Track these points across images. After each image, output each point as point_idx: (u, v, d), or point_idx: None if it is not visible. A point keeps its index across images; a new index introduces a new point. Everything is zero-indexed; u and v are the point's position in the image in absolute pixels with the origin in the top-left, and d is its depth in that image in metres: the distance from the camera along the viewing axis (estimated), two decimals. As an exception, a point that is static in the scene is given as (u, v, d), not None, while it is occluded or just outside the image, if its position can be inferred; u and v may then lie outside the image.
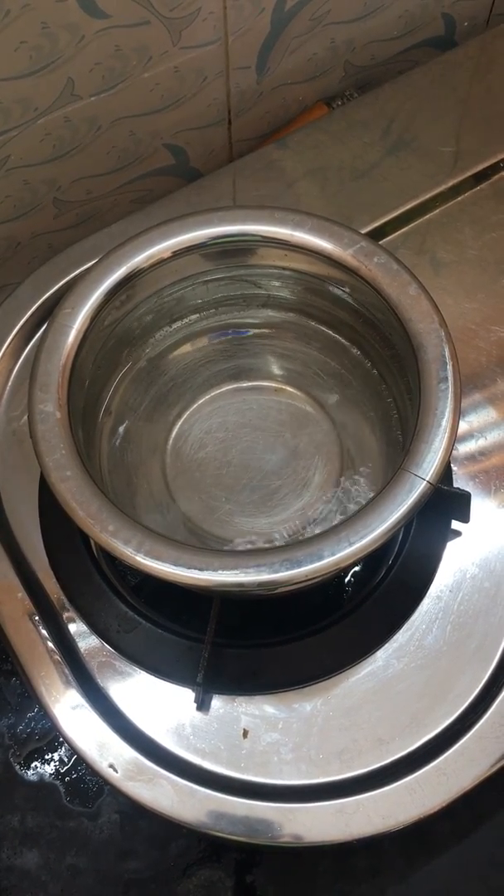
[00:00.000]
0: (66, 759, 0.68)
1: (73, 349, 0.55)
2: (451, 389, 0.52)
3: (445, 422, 0.52)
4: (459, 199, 0.76)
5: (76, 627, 0.62)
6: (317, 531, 0.61)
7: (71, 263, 0.71)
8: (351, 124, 0.79)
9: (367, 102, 0.81)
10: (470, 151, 0.78)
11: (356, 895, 0.64)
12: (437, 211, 0.76)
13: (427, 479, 0.50)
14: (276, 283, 0.64)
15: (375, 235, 0.73)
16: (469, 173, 0.76)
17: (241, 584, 0.48)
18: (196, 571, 0.49)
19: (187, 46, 0.68)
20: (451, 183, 0.76)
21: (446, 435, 0.51)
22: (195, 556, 0.49)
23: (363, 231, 0.72)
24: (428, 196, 0.76)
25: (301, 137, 0.78)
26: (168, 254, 0.58)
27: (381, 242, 0.63)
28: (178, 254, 0.58)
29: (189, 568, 0.49)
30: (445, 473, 0.58)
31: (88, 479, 0.51)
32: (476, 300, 0.71)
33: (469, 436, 0.66)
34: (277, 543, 0.61)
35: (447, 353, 0.53)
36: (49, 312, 0.70)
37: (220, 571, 0.49)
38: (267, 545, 0.61)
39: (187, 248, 0.58)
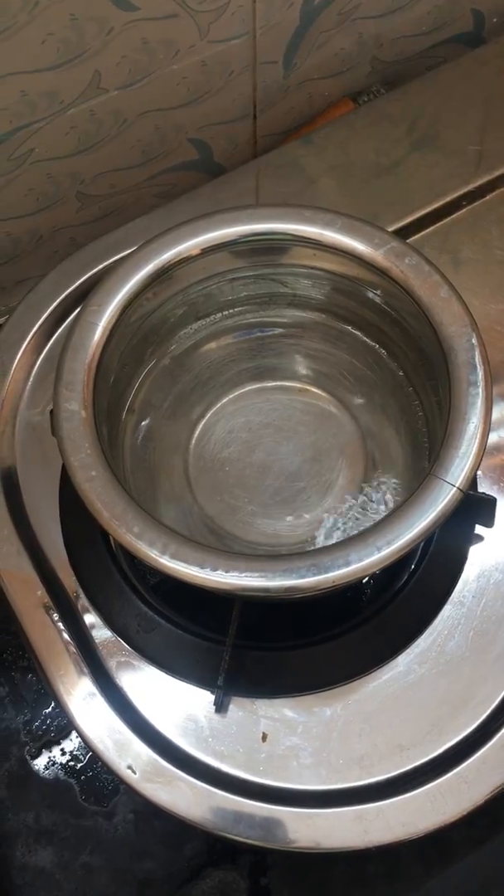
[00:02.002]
0: (81, 757, 0.68)
1: (99, 347, 0.54)
2: (481, 395, 0.51)
3: (476, 427, 0.51)
4: (487, 198, 0.75)
5: (95, 626, 0.62)
6: (339, 535, 0.61)
7: (94, 258, 0.70)
8: (377, 121, 0.78)
9: (393, 99, 0.80)
10: (497, 150, 0.76)
11: (371, 900, 0.64)
12: (464, 210, 0.75)
13: (457, 485, 0.49)
14: (304, 283, 0.63)
15: (400, 234, 0.72)
16: (497, 172, 0.75)
17: (266, 589, 0.48)
18: (222, 575, 0.48)
19: (215, 40, 0.67)
20: (478, 182, 0.75)
21: (476, 441, 0.51)
22: (221, 559, 0.49)
23: (388, 230, 0.71)
24: (454, 195, 0.75)
25: (326, 134, 0.78)
26: (196, 251, 0.57)
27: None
28: (207, 251, 0.58)
29: (215, 571, 0.48)
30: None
31: (114, 480, 0.51)
32: (503, 301, 0.70)
33: (493, 438, 0.65)
34: (303, 547, 0.60)
35: (478, 358, 0.52)
36: (71, 308, 0.70)
37: (245, 575, 0.48)
38: (292, 550, 0.60)
39: (216, 246, 0.58)
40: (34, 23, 0.57)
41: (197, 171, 0.80)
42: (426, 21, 0.80)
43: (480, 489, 0.64)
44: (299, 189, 0.74)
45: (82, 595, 0.63)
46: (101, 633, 0.62)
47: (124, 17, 0.61)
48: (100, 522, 0.50)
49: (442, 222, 0.74)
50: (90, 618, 0.62)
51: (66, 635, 0.61)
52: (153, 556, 0.49)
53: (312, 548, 0.60)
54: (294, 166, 0.76)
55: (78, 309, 0.66)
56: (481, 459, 0.51)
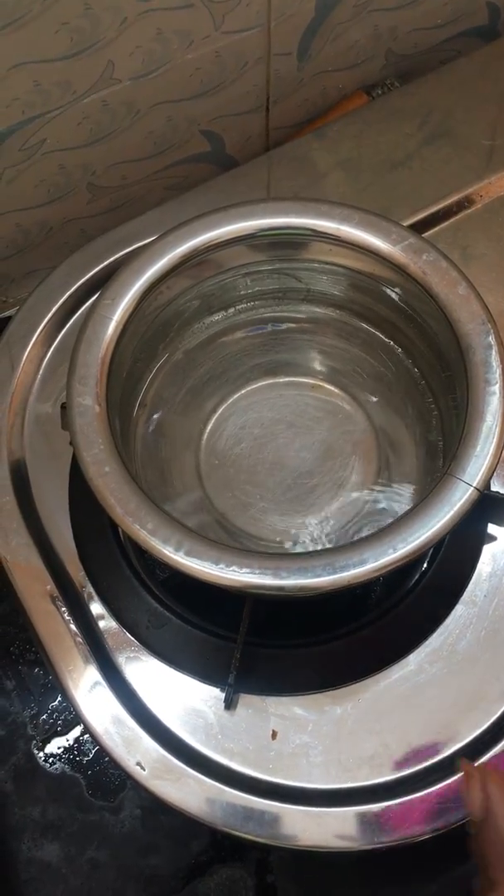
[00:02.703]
0: (88, 752, 0.68)
1: (112, 341, 0.54)
2: (499, 394, 0.51)
3: (493, 427, 0.50)
4: (501, 194, 0.74)
5: (104, 621, 0.62)
6: (352, 533, 0.60)
7: (105, 250, 0.70)
8: (390, 114, 0.77)
9: (407, 92, 0.79)
10: (511, 145, 0.76)
11: (378, 898, 0.64)
12: (477, 206, 0.74)
13: (474, 485, 0.49)
14: (319, 278, 0.62)
15: (413, 229, 0.71)
16: (511, 168, 0.75)
17: (281, 588, 0.48)
18: (236, 573, 0.48)
19: (230, 31, 0.66)
20: (491, 178, 0.74)
21: (494, 440, 0.50)
22: (235, 557, 0.48)
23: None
24: (468, 190, 0.74)
25: (339, 127, 0.77)
26: (210, 245, 0.57)
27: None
28: (221, 245, 0.57)
29: (229, 569, 0.48)
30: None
31: (127, 476, 0.50)
32: (517, 298, 0.70)
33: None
34: (314, 545, 0.60)
35: (496, 357, 0.52)
36: (82, 300, 0.69)
37: (260, 573, 0.48)
38: (305, 547, 0.60)
39: (230, 240, 0.57)
40: (48, 12, 0.57)
41: (209, 164, 0.79)
42: (441, 14, 0.79)
43: (494, 488, 0.63)
44: (312, 182, 0.74)
45: (91, 589, 0.62)
46: (109, 627, 0.61)
47: (139, 7, 0.60)
48: (113, 519, 0.50)
49: (455, 218, 0.74)
50: (99, 612, 0.62)
51: (74, 629, 0.61)
52: (167, 553, 0.48)
53: (326, 546, 0.60)
54: (306, 160, 0.75)
55: (89, 301, 0.66)
56: (499, 459, 0.50)
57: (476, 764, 0.54)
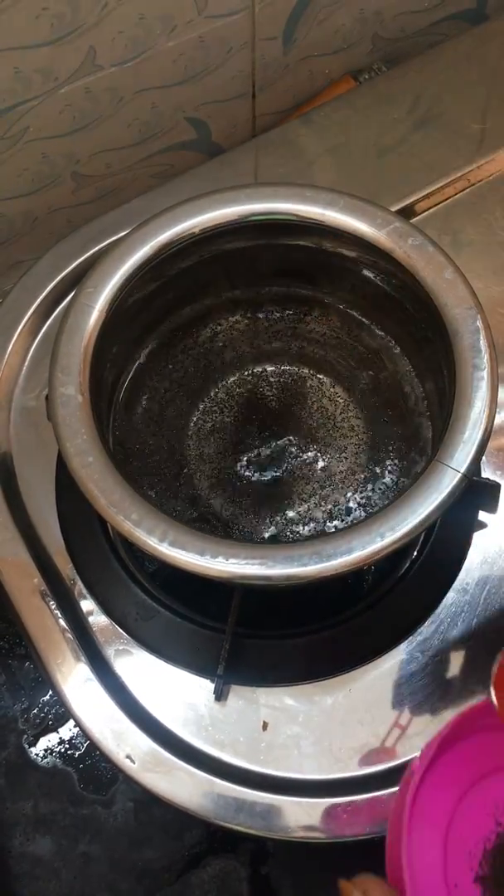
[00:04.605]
0: (79, 746, 0.67)
1: (95, 330, 0.53)
2: (487, 379, 0.50)
3: (480, 412, 0.50)
4: (490, 178, 0.73)
5: (92, 614, 0.61)
6: (340, 522, 0.60)
7: (90, 239, 0.69)
8: (378, 99, 0.77)
9: (394, 76, 0.78)
10: (500, 129, 0.75)
11: (372, 888, 0.63)
12: (466, 191, 0.73)
13: (461, 471, 0.48)
14: (303, 264, 0.62)
15: (401, 215, 0.70)
16: (500, 151, 0.74)
17: (268, 578, 0.47)
18: (222, 563, 0.47)
19: (213, 15, 0.66)
20: (480, 161, 0.74)
21: (481, 426, 0.50)
22: (221, 547, 0.48)
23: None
24: (457, 175, 0.73)
25: (326, 112, 0.76)
26: (194, 232, 0.56)
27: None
28: (204, 232, 0.56)
29: (215, 559, 0.47)
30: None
31: (111, 466, 0.50)
32: (506, 283, 0.69)
33: (500, 424, 0.64)
34: (303, 533, 0.59)
35: (483, 342, 0.51)
36: (67, 290, 0.68)
37: (246, 563, 0.47)
38: (294, 536, 0.59)
39: (214, 227, 0.56)
40: (28, -3, 0.56)
41: (195, 151, 0.78)
42: (428, -4, 0.78)
43: (484, 475, 0.63)
44: (299, 169, 0.73)
45: (79, 582, 0.62)
46: (98, 620, 0.61)
47: (120, -9, 0.60)
48: (97, 509, 0.49)
49: (444, 203, 0.73)
50: (87, 605, 0.61)
51: (63, 623, 0.60)
52: (152, 543, 0.48)
53: (314, 535, 0.59)
54: (294, 146, 0.74)
55: (74, 291, 0.65)
56: (486, 445, 0.50)
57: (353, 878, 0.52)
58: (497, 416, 0.63)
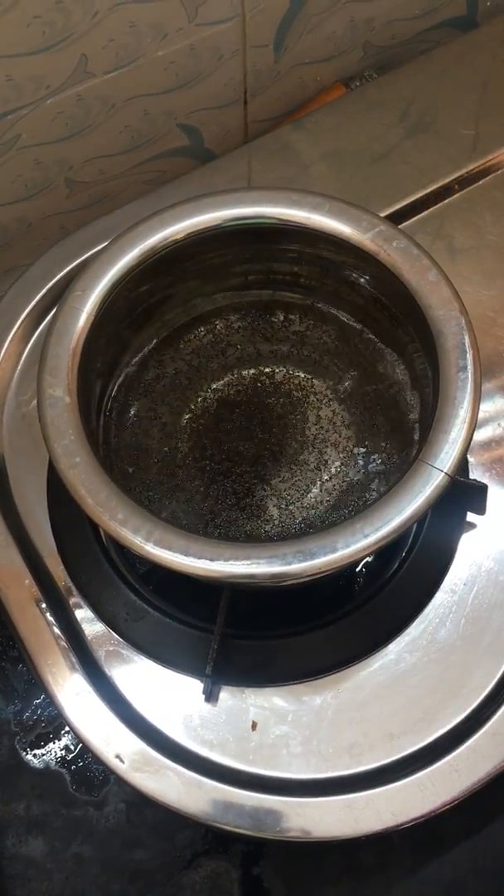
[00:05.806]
0: (72, 747, 0.68)
1: (84, 332, 0.54)
2: (470, 379, 0.51)
3: (465, 412, 0.50)
4: (480, 183, 0.74)
5: (83, 615, 0.62)
6: (327, 520, 0.60)
7: (83, 245, 0.70)
8: (369, 106, 0.77)
9: (385, 83, 0.79)
10: (491, 135, 0.76)
11: (364, 889, 0.64)
12: (457, 196, 0.74)
13: (445, 470, 0.49)
14: (292, 267, 0.62)
15: (393, 219, 0.71)
16: (490, 157, 0.74)
17: (252, 576, 0.47)
18: (206, 562, 0.48)
19: (204, 23, 0.66)
20: (470, 167, 0.74)
21: (465, 426, 0.50)
22: (206, 546, 0.48)
23: (379, 214, 0.70)
24: (447, 180, 0.74)
25: (318, 119, 0.77)
26: (181, 235, 0.57)
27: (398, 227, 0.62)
28: (192, 235, 0.57)
29: (199, 558, 0.48)
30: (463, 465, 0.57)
31: (98, 467, 0.50)
32: (495, 287, 0.70)
33: (486, 425, 0.65)
34: (293, 533, 0.60)
35: (467, 342, 0.52)
36: (60, 294, 0.68)
37: (231, 562, 0.48)
38: (281, 535, 0.60)
39: (201, 230, 0.57)
40: (19, 5, 0.57)
41: (187, 158, 0.79)
42: (419, 4, 0.79)
43: (472, 476, 0.63)
44: (291, 174, 0.74)
45: (71, 584, 0.63)
46: (89, 622, 0.61)
47: (110, 0, 0.60)
48: (84, 509, 0.50)
49: (435, 207, 0.74)
50: (79, 608, 0.62)
51: (54, 625, 0.61)
52: (137, 542, 0.48)
53: (300, 534, 0.59)
54: (285, 152, 0.75)
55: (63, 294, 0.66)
56: (469, 444, 0.50)
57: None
58: (482, 418, 0.64)
